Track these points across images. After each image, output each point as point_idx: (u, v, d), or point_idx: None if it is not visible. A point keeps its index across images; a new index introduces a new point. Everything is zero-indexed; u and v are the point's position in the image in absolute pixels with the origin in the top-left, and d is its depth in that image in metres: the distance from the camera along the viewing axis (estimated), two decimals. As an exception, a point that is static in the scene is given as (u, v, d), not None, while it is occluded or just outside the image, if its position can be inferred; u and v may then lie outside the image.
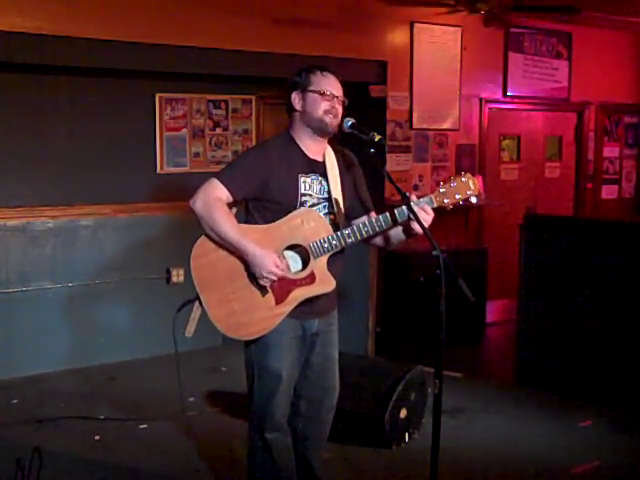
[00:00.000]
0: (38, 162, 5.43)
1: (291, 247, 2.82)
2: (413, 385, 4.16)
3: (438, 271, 2.52)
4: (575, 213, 7.66)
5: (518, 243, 5.27)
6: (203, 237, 2.84)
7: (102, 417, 4.51)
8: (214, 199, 2.78)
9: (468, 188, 2.77)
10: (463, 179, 2.78)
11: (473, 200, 2.80)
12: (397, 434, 4.06)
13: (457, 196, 2.77)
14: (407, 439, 4.12)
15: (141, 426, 4.40)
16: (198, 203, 2.78)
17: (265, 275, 2.74)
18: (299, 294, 2.82)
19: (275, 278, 2.76)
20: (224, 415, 4.56)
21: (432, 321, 2.57)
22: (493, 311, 6.93)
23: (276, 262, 2.74)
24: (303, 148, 2.90)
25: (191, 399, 4.61)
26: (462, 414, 4.61)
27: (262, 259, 2.73)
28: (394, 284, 6.23)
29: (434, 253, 2.54)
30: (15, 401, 4.82)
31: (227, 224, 2.77)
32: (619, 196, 8.09)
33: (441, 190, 2.77)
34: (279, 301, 2.81)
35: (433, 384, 2.59)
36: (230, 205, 2.84)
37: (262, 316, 2.81)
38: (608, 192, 7.99)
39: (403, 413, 4.07)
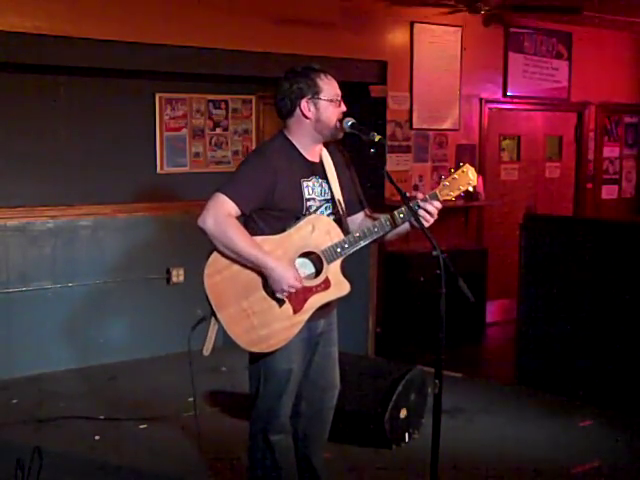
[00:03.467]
0: (38, 162, 5.43)
1: (304, 254, 2.81)
2: (413, 385, 4.16)
3: (438, 271, 2.52)
4: (575, 213, 7.65)
5: (518, 243, 5.27)
6: (215, 254, 2.77)
7: (102, 417, 4.51)
8: (224, 216, 2.71)
9: (469, 179, 2.81)
10: (463, 170, 2.81)
11: (470, 189, 2.84)
12: (397, 434, 4.06)
13: (460, 187, 2.80)
14: (407, 439, 4.12)
15: (141, 426, 4.40)
16: (209, 222, 2.70)
17: (286, 289, 2.73)
18: (316, 301, 2.82)
19: (294, 291, 2.75)
20: (224, 415, 4.56)
21: (432, 321, 2.57)
22: (493, 311, 6.93)
23: (296, 276, 2.74)
24: (302, 151, 2.88)
25: (190, 399, 4.60)
26: (462, 414, 4.61)
27: (283, 273, 2.71)
28: (394, 284, 6.23)
29: (434, 253, 2.55)
30: (15, 401, 4.82)
31: (243, 241, 2.71)
32: (619, 196, 8.09)
33: (445, 184, 2.80)
34: (297, 310, 2.80)
35: (433, 384, 2.60)
36: (238, 219, 2.79)
37: (281, 327, 2.80)
38: (608, 192, 7.99)
39: (403, 413, 4.07)
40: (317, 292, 2.81)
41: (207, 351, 2.82)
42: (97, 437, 4.23)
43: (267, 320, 2.79)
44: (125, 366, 5.55)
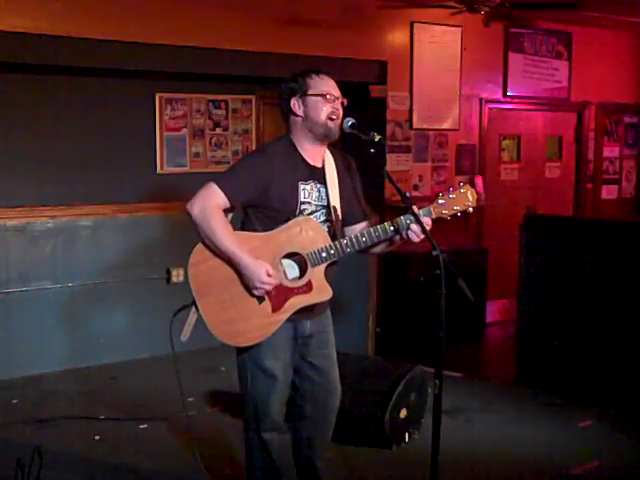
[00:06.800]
0: (38, 162, 5.43)
1: (289, 255, 2.81)
2: (413, 385, 4.16)
3: (438, 271, 2.52)
4: (575, 213, 7.66)
5: (518, 243, 5.27)
6: (200, 244, 2.82)
7: (102, 417, 4.51)
8: (212, 207, 2.75)
9: (467, 200, 2.78)
10: (462, 190, 2.78)
11: (470, 210, 2.81)
12: (397, 434, 4.06)
13: (455, 207, 2.78)
14: (407, 439, 4.12)
15: (141, 426, 4.40)
16: (195, 209, 2.75)
17: (258, 286, 2.74)
18: (296, 302, 2.82)
19: (268, 288, 2.76)
20: (224, 415, 4.56)
21: (432, 321, 2.57)
22: (493, 311, 6.94)
23: (269, 271, 2.74)
24: (304, 154, 2.88)
25: (191, 399, 4.60)
26: (462, 414, 4.60)
27: (254, 269, 2.73)
28: (394, 284, 6.23)
29: (434, 253, 2.55)
30: (15, 401, 4.82)
31: (223, 234, 2.75)
32: (619, 196, 8.09)
33: (440, 201, 2.78)
34: (276, 309, 2.81)
35: (433, 384, 2.60)
36: (227, 211, 2.81)
37: (259, 323, 2.81)
38: (608, 192, 7.99)
39: (403, 413, 4.07)
40: (298, 294, 2.81)
41: (184, 337, 2.89)
42: (97, 437, 4.23)
43: (245, 315, 2.80)
44: (125, 366, 5.54)
